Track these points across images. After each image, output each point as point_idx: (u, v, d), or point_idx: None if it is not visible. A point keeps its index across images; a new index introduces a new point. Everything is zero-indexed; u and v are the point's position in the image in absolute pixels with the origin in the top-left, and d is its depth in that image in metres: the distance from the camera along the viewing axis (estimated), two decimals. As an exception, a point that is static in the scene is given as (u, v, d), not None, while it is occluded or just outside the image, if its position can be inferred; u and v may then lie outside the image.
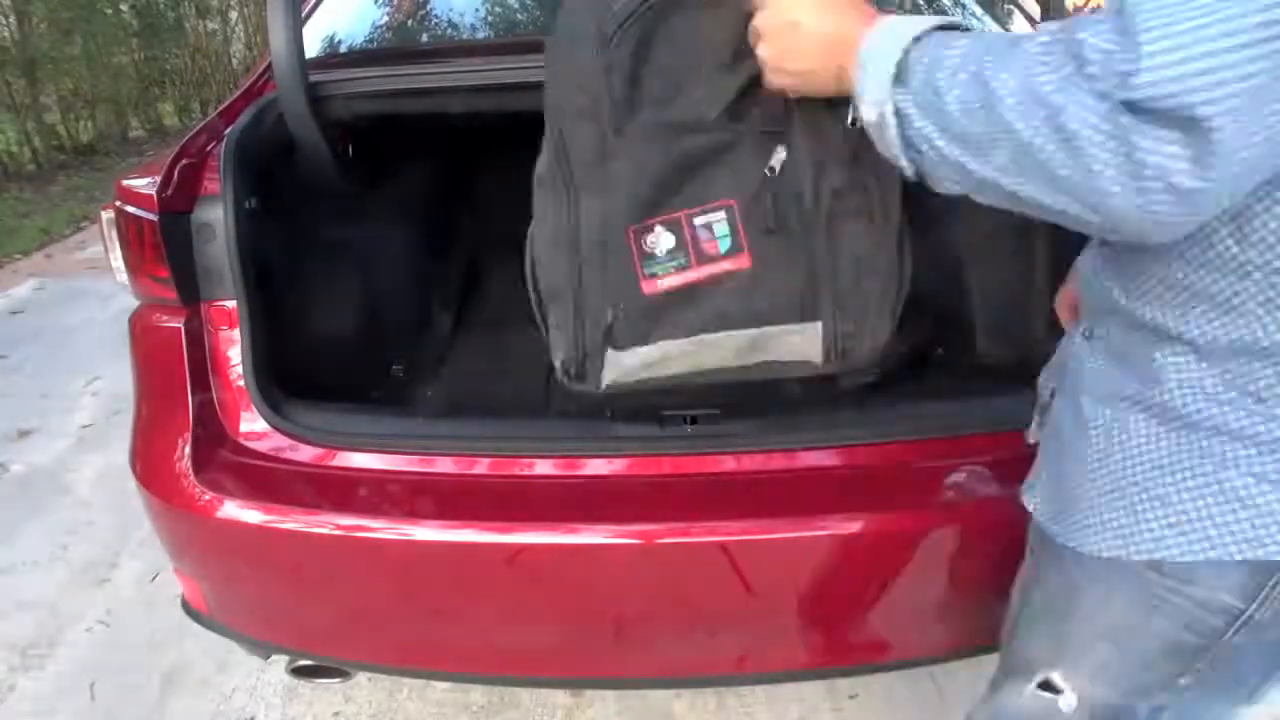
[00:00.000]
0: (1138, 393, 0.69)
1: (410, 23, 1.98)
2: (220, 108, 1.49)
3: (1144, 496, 0.68)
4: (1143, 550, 0.69)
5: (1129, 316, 0.69)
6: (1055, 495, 0.78)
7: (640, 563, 1.17)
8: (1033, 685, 0.83)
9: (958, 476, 1.19)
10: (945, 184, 0.65)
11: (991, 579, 1.26)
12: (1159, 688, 0.76)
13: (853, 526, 1.14)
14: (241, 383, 1.25)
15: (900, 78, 0.63)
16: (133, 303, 1.37)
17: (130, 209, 1.25)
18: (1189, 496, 0.66)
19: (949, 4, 2.04)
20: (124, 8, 7.81)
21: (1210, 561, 0.66)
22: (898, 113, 0.63)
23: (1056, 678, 0.81)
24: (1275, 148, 0.50)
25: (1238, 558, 0.65)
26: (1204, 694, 0.75)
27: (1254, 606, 0.67)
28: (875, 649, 1.35)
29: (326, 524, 1.16)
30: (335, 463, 1.24)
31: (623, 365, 0.98)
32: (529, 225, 1.00)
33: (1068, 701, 0.81)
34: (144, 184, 1.24)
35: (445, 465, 1.23)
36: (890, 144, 0.65)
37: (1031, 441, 0.90)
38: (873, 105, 0.65)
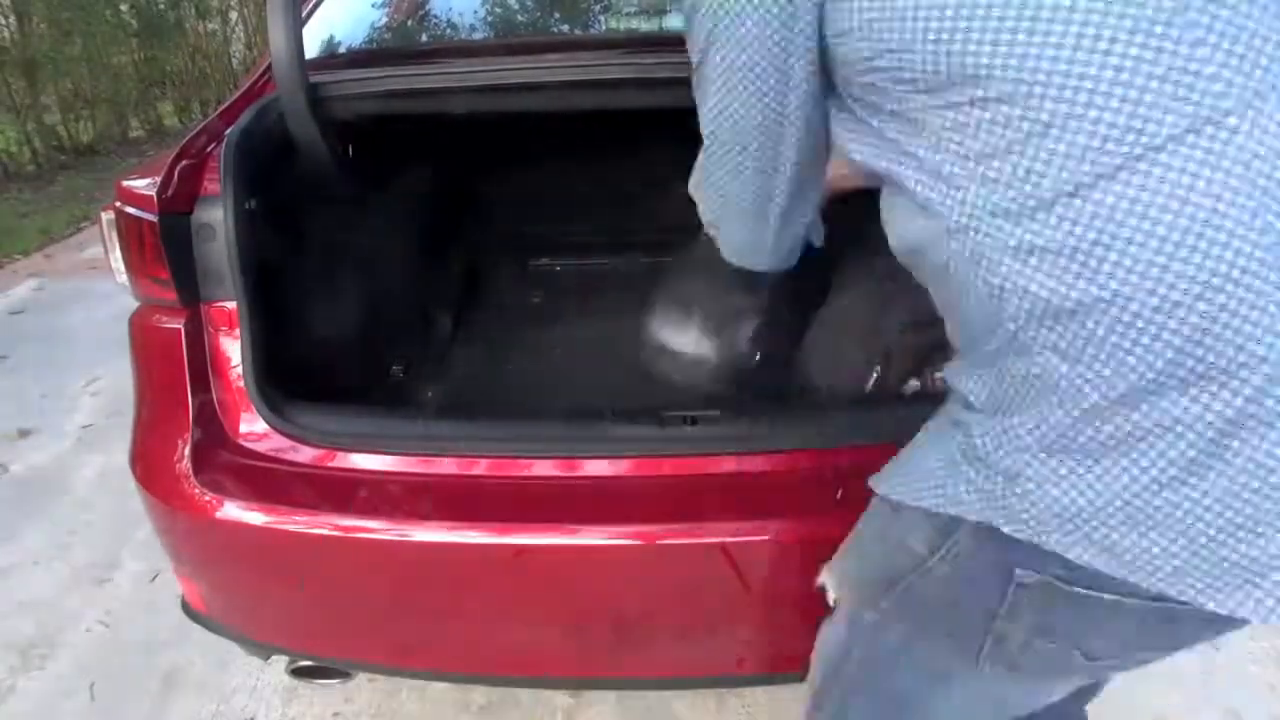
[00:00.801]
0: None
1: (410, 23, 1.98)
2: (220, 108, 1.49)
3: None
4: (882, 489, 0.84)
5: None
6: None
7: (641, 564, 1.17)
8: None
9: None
10: None
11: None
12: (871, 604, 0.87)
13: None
14: (241, 384, 1.25)
15: None
16: (133, 303, 1.36)
17: (130, 209, 1.25)
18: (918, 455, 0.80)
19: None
20: (124, 8, 7.80)
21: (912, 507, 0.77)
22: None
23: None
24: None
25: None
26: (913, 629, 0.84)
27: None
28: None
29: (326, 525, 1.16)
30: (335, 463, 1.24)
31: None
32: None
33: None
34: (144, 184, 1.24)
35: (445, 466, 1.23)
36: None
37: None
38: None
